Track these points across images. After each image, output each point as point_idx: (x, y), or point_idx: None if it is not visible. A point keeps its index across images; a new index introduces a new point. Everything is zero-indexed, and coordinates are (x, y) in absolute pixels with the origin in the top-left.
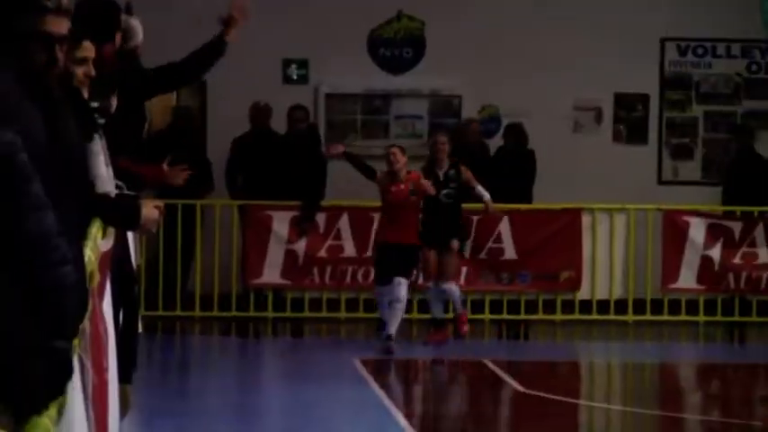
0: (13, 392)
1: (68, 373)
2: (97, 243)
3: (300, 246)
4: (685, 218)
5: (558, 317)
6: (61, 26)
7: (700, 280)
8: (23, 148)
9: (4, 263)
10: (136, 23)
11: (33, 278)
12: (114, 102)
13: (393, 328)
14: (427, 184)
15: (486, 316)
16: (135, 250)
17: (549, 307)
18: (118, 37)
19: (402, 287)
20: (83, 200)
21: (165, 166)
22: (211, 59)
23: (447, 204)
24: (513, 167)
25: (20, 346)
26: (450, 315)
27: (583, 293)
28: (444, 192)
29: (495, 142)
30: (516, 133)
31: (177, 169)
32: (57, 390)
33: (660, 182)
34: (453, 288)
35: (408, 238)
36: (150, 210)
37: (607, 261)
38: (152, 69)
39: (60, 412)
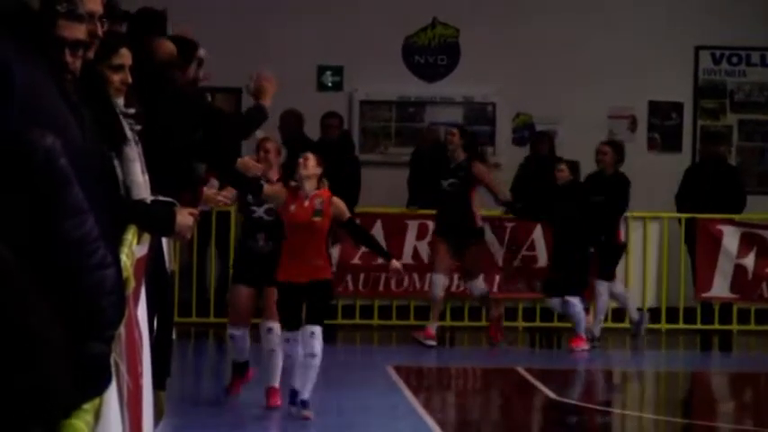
0: (48, 396)
1: (107, 377)
2: (132, 249)
3: (334, 253)
4: (719, 226)
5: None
6: (74, 31)
7: (733, 289)
8: (63, 151)
9: (43, 266)
10: (206, 54)
11: (72, 282)
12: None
13: (308, 391)
14: (342, 207)
15: (520, 324)
16: (169, 256)
17: None
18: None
19: (317, 339)
20: (109, 204)
21: (206, 189)
22: (254, 125)
23: None
24: (541, 176)
25: (56, 349)
26: None
27: (616, 302)
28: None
29: (527, 150)
30: (544, 141)
31: (215, 196)
32: (94, 392)
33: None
34: None
35: (316, 273)
36: (185, 216)
37: (640, 269)
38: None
39: (97, 418)
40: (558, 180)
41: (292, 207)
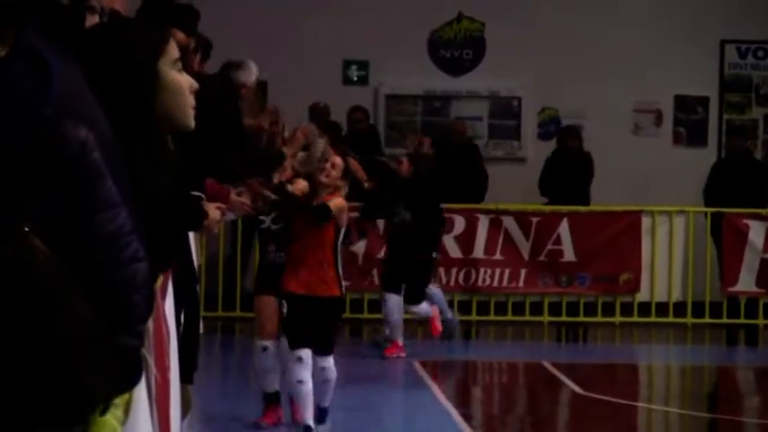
0: (79, 390)
1: (138, 372)
2: None
3: (360, 247)
4: (745, 221)
5: (617, 319)
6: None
7: (759, 283)
8: (96, 144)
9: (74, 260)
10: (253, 65)
11: (104, 276)
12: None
13: (328, 399)
14: (342, 206)
15: (546, 318)
16: (195, 250)
17: (608, 309)
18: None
19: (331, 369)
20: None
21: (233, 195)
22: (269, 168)
23: None
24: (569, 170)
25: (88, 343)
26: None
27: (642, 296)
28: None
29: (553, 144)
30: (571, 135)
31: (242, 202)
32: (125, 387)
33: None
34: None
35: (322, 288)
36: (212, 211)
37: (666, 263)
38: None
39: (127, 412)
40: (400, 175)
41: None
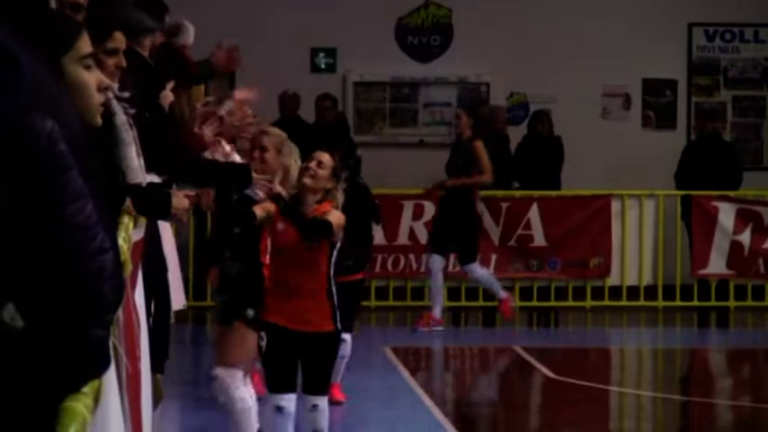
0: (48, 382)
1: (105, 361)
2: (129, 233)
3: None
4: (714, 203)
5: (588, 303)
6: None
7: (729, 265)
8: (62, 136)
9: (41, 252)
10: (187, 23)
11: (73, 267)
12: (169, 95)
13: None
14: (342, 222)
15: (517, 303)
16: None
17: (579, 294)
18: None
19: (323, 414)
20: (105, 189)
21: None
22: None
23: None
24: (540, 154)
25: (55, 335)
26: None
27: (612, 280)
28: None
29: (523, 129)
30: (543, 120)
31: (208, 200)
32: (92, 376)
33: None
34: None
35: (312, 322)
36: (181, 199)
37: (636, 247)
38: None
39: (96, 401)
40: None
41: (281, 225)
